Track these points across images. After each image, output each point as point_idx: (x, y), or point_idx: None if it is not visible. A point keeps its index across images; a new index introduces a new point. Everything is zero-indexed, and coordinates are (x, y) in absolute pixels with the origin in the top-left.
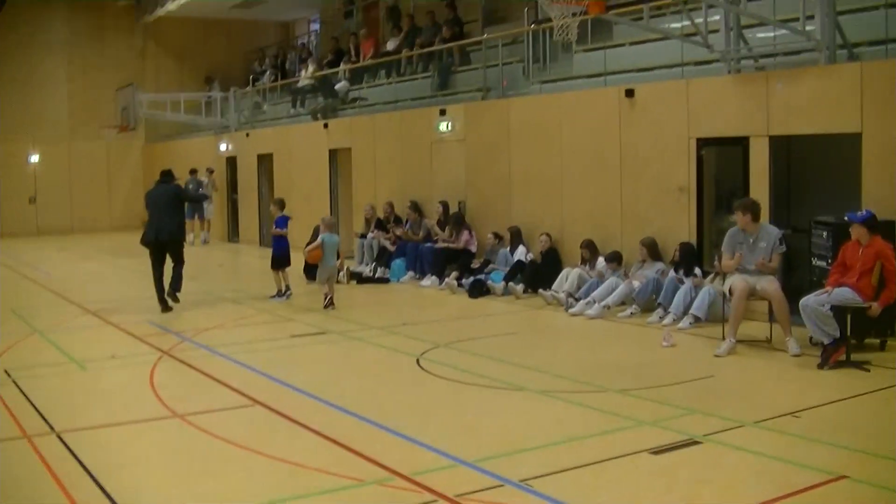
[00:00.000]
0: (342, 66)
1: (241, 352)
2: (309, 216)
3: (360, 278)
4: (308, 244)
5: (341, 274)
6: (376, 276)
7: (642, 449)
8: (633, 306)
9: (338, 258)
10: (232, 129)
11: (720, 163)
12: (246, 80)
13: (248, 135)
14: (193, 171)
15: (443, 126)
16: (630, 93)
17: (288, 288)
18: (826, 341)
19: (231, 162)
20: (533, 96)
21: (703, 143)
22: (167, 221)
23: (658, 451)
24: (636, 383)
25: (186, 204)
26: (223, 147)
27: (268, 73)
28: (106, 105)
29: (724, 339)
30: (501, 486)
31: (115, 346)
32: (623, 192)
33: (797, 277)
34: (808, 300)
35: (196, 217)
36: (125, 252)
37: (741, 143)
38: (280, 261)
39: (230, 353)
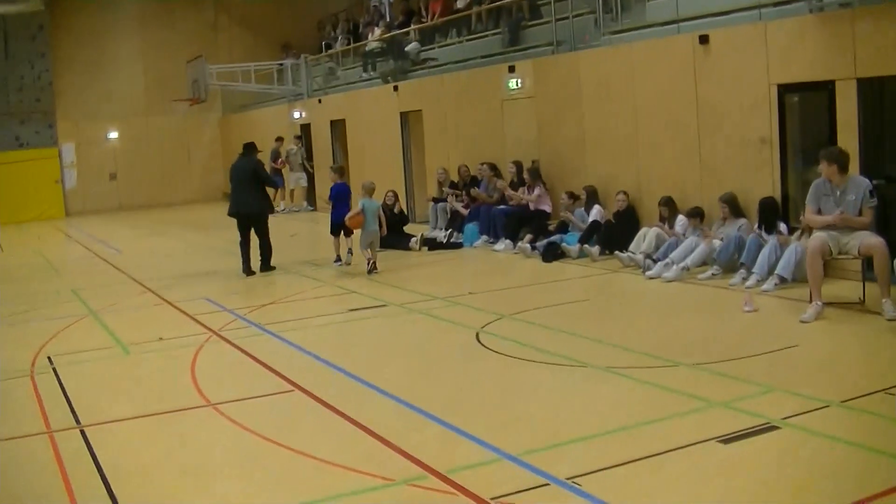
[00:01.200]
0: (411, 27)
1: (293, 329)
2: (383, 181)
3: (432, 244)
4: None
5: (413, 241)
6: (450, 241)
7: (711, 437)
8: (715, 267)
9: (380, 224)
10: (305, 96)
11: (804, 111)
12: (320, 46)
13: (320, 101)
14: (279, 139)
15: (512, 83)
16: (704, 39)
17: (350, 252)
18: None
19: (305, 129)
20: (602, 48)
21: (784, 89)
22: (245, 195)
23: (729, 439)
24: (712, 356)
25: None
26: (296, 115)
27: (339, 38)
28: (180, 79)
29: (810, 301)
30: (546, 484)
31: (166, 327)
32: (701, 146)
33: (892, 233)
34: None
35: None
36: (199, 226)
37: (827, 88)
38: (339, 227)
39: (281, 332)
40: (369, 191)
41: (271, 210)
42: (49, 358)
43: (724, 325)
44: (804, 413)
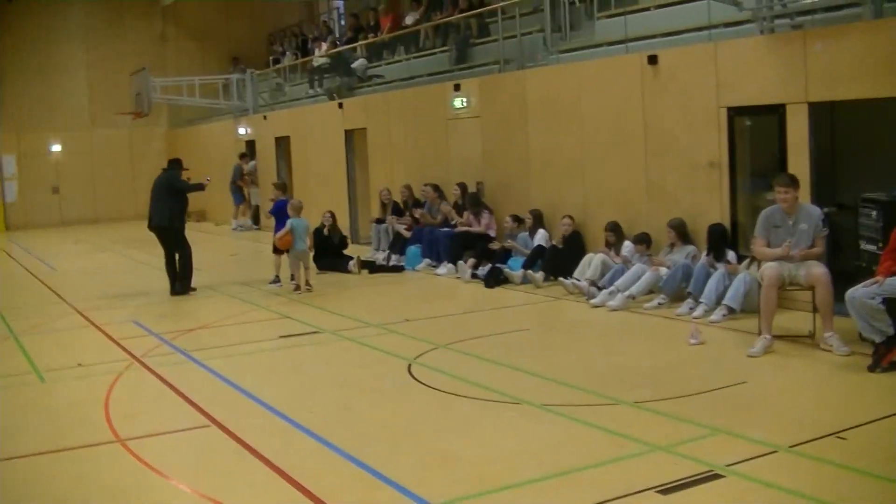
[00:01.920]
0: (358, 43)
1: (218, 357)
2: (327, 200)
3: (372, 267)
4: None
5: (351, 263)
6: (390, 264)
7: (650, 486)
8: (661, 296)
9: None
10: (250, 111)
11: (755, 134)
12: (269, 61)
13: (265, 117)
14: (243, 156)
15: (457, 102)
16: (653, 59)
17: (292, 277)
18: (877, 339)
19: (250, 146)
20: (549, 67)
21: (734, 112)
22: (158, 208)
23: (668, 489)
24: (654, 393)
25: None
26: (242, 131)
27: (287, 53)
28: (127, 91)
29: (759, 334)
30: None
31: (88, 352)
32: (649, 169)
33: (843, 262)
34: (857, 292)
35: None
36: (143, 242)
37: (777, 112)
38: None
39: (206, 359)
40: (297, 209)
41: (180, 224)
42: None
43: (669, 359)
44: (750, 459)
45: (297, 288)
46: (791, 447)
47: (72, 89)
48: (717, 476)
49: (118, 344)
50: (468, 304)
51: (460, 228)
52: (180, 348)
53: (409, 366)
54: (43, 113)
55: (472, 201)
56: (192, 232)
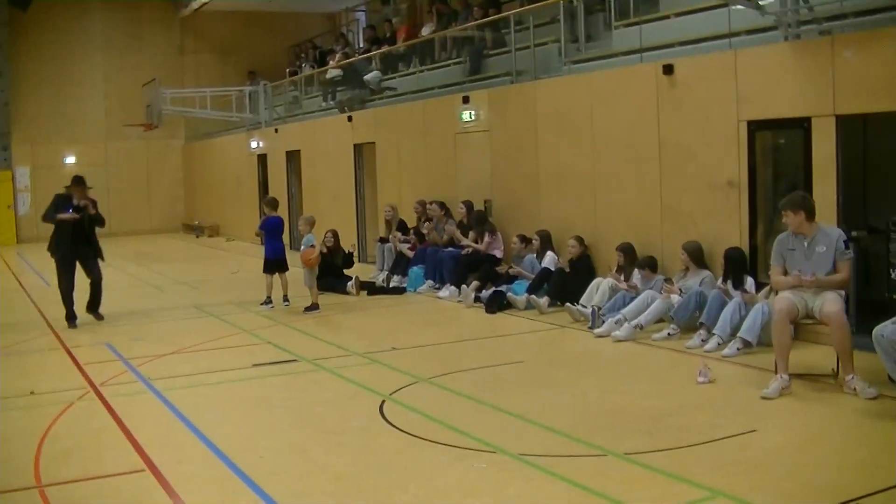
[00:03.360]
0: (369, 54)
1: (181, 387)
2: (336, 218)
3: (371, 288)
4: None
5: (350, 284)
6: (390, 285)
7: None
8: (672, 326)
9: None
10: (263, 125)
11: (777, 151)
12: (286, 73)
13: (276, 130)
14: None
15: (466, 115)
16: (668, 69)
17: (285, 298)
18: None
19: (262, 160)
20: (560, 78)
21: (755, 126)
22: None
23: None
24: (649, 442)
25: None
26: (254, 144)
27: (304, 66)
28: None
29: (775, 373)
30: None
31: (47, 378)
32: (664, 188)
33: (874, 291)
34: (885, 329)
35: None
36: (148, 258)
37: (802, 126)
38: (272, 264)
39: (166, 389)
40: (311, 224)
41: (51, 252)
42: None
43: (672, 401)
44: None
45: (316, 306)
46: None
47: (88, 101)
48: None
49: (81, 369)
50: (465, 331)
51: (468, 250)
52: (144, 376)
53: (383, 403)
54: (58, 125)
55: (478, 220)
56: (201, 246)
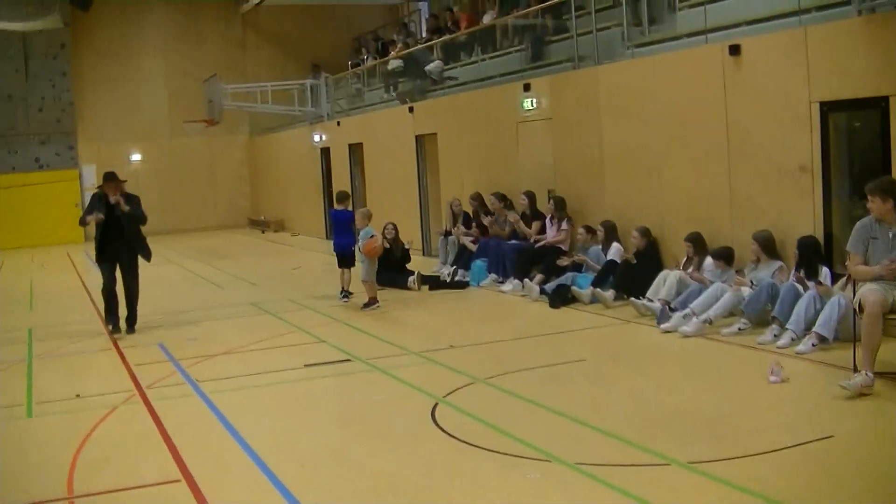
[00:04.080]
0: (430, 42)
1: (228, 390)
2: (398, 211)
3: (434, 283)
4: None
5: (411, 279)
6: (453, 280)
7: None
8: (742, 320)
9: None
10: (325, 118)
11: (852, 132)
12: (349, 66)
13: (338, 123)
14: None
15: (527, 103)
16: (735, 49)
17: (345, 293)
18: None
19: (325, 153)
20: (622, 62)
21: (828, 107)
22: None
23: None
24: (715, 449)
25: None
26: (316, 138)
27: (367, 57)
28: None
29: (854, 370)
30: None
31: (95, 381)
32: (732, 174)
33: None
34: None
35: None
36: (210, 254)
37: (879, 106)
38: (340, 259)
39: (213, 392)
40: (368, 218)
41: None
42: None
43: (741, 402)
44: None
45: (375, 301)
46: None
47: (151, 98)
48: None
49: (130, 371)
50: (526, 327)
51: (540, 244)
52: (192, 378)
53: (435, 406)
54: (122, 123)
55: (557, 205)
56: (265, 242)
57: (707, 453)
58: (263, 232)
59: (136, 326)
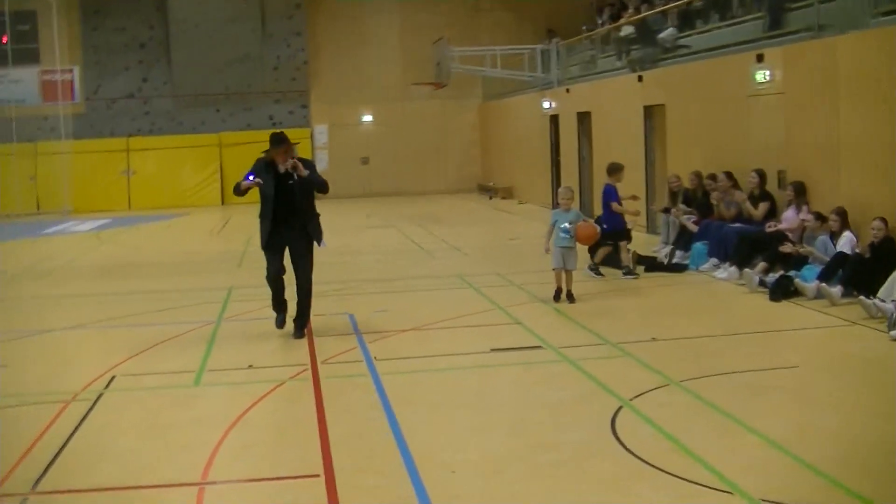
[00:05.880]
0: (664, 7)
1: (403, 372)
2: (624, 185)
3: (651, 264)
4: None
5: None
6: (672, 261)
7: None
8: None
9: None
10: (554, 84)
11: None
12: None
13: (568, 90)
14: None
15: (760, 75)
16: None
17: (626, 269)
18: None
19: (554, 120)
20: (866, 31)
21: None
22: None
23: None
24: None
25: None
26: (546, 105)
27: (604, 23)
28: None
29: None
30: None
31: (272, 351)
32: None
33: None
34: None
35: None
36: (432, 220)
37: None
38: (608, 234)
39: (386, 373)
40: (568, 200)
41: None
42: (111, 381)
43: None
44: None
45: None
46: None
47: (384, 60)
48: None
49: (311, 342)
50: (738, 321)
51: (772, 229)
52: (370, 355)
53: (618, 410)
54: (354, 84)
55: (797, 190)
56: (490, 209)
57: None
58: (491, 199)
59: (324, 301)
